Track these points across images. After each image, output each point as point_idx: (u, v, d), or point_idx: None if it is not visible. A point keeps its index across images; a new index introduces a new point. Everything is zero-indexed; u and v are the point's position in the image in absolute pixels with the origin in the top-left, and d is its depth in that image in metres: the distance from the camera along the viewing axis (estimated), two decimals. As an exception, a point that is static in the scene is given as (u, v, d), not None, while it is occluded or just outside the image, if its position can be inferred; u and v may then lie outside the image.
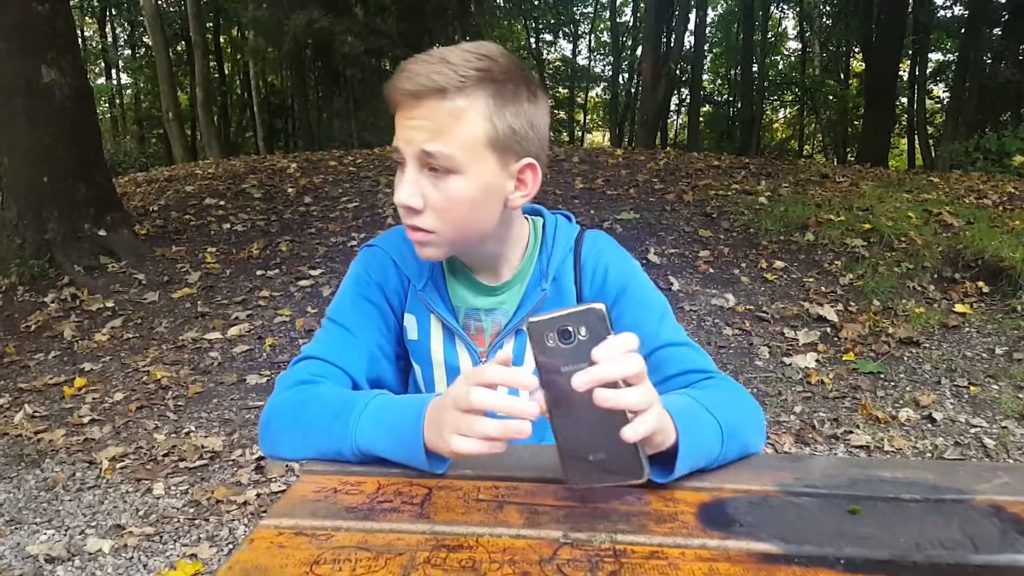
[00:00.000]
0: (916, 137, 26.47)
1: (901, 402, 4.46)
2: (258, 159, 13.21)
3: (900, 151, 31.59)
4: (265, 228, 7.79)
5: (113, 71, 33.66)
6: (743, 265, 6.43)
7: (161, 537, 3.30)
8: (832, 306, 5.65)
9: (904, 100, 27.31)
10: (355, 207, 8.23)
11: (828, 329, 5.39)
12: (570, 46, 40.18)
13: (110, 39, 32.99)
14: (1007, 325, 5.35)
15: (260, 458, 3.94)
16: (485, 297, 1.43)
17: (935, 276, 6.11)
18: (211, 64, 25.12)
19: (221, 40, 29.64)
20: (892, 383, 4.70)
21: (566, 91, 39.80)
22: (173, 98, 19.57)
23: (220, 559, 3.12)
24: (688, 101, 32.28)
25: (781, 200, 7.87)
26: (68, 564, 3.13)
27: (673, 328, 1.37)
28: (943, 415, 4.26)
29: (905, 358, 5.01)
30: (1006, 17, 19.63)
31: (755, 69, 30.31)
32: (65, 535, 3.34)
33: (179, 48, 28.32)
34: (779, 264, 6.40)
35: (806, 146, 36.19)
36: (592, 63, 41.27)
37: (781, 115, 39.03)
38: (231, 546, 3.22)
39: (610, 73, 38.55)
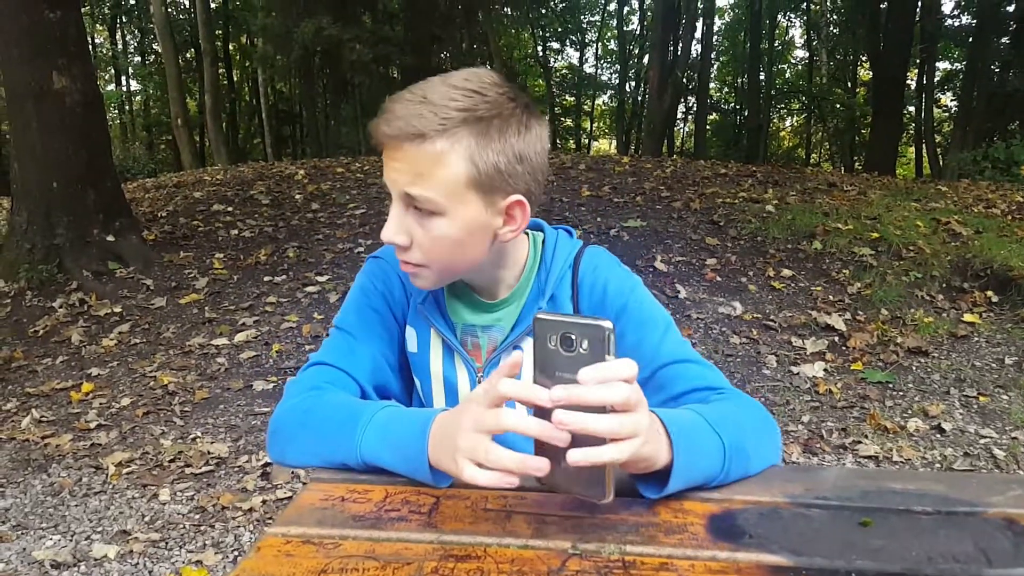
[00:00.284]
0: (924, 146, 26.46)
1: (910, 412, 4.44)
2: (266, 165, 13.21)
3: (908, 160, 31.59)
4: (272, 234, 7.80)
5: (123, 78, 33.88)
6: (750, 273, 6.42)
7: (167, 543, 3.30)
8: (840, 315, 5.63)
9: (912, 109, 27.26)
10: (362, 214, 8.24)
11: (836, 338, 5.38)
12: (577, 54, 40.33)
13: (120, 46, 33.15)
14: (1016, 335, 5.33)
15: (266, 464, 3.93)
16: (482, 314, 1.42)
17: (944, 285, 6.09)
18: (220, 71, 25.25)
19: (230, 47, 29.79)
20: (901, 393, 4.69)
21: (573, 99, 39.89)
22: (182, 105, 19.67)
23: (225, 566, 3.12)
24: (695, 109, 32.35)
25: (788, 208, 7.85)
26: (74, 570, 3.13)
27: (677, 344, 1.34)
28: (952, 425, 4.24)
29: (914, 368, 4.99)
30: (1014, 26, 19.60)
31: (762, 77, 30.35)
32: (71, 540, 3.34)
33: (188, 55, 28.42)
34: (787, 272, 6.38)
35: (813, 154, 36.20)
36: (599, 71, 41.36)
37: (788, 123, 39.07)
38: (236, 553, 3.22)
39: (617, 81, 38.63)
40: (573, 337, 0.88)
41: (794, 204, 8.10)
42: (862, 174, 13.23)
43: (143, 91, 34.03)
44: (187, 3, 28.76)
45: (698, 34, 26.19)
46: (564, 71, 40.69)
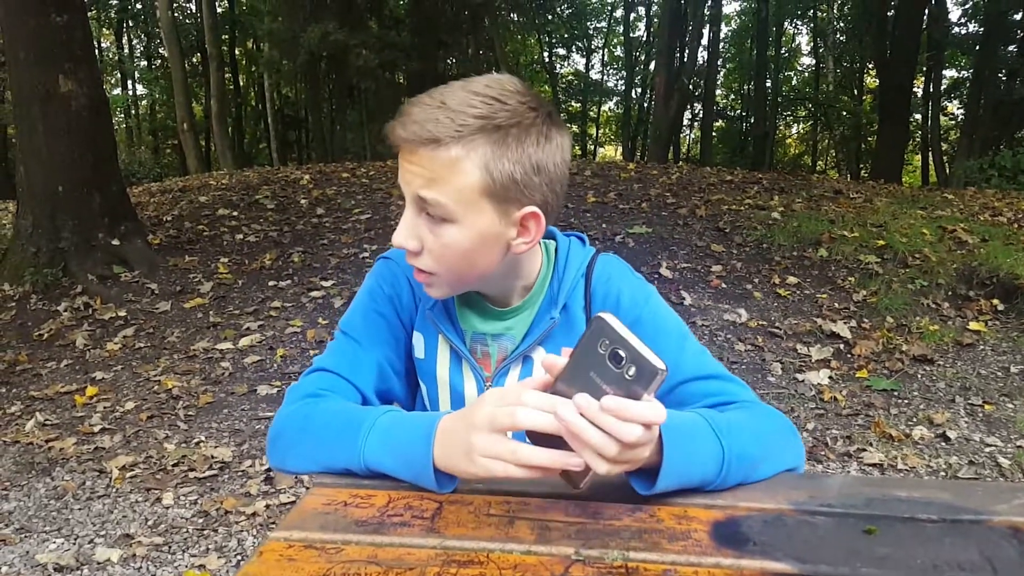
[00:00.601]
0: (930, 153, 26.41)
1: (915, 420, 4.42)
2: (271, 170, 13.26)
3: (914, 167, 31.55)
4: (277, 239, 7.81)
5: (129, 82, 33.96)
6: (756, 280, 6.41)
7: (170, 547, 3.30)
8: (845, 322, 5.62)
9: (918, 116, 27.27)
10: (367, 219, 8.25)
11: (841, 346, 5.37)
12: (583, 60, 40.38)
13: (127, 50, 33.26)
14: (1022, 343, 5.31)
15: (269, 469, 3.93)
16: (493, 322, 1.40)
17: (949, 293, 6.08)
18: (226, 76, 25.30)
19: (236, 52, 29.88)
20: (906, 401, 4.67)
21: (579, 105, 39.90)
22: (188, 109, 19.70)
23: (229, 570, 3.12)
24: (701, 116, 32.41)
25: (794, 215, 7.85)
26: (77, 573, 3.13)
27: (696, 356, 1.31)
28: (957, 433, 4.23)
29: (919, 376, 4.98)
30: (1021, 34, 19.60)
31: (768, 84, 30.37)
32: (74, 544, 3.34)
33: (195, 60, 28.50)
34: (792, 280, 6.38)
35: (819, 162, 36.18)
36: (605, 77, 41.50)
37: (794, 130, 39.08)
38: (239, 557, 3.22)
39: (623, 87, 38.69)
40: (624, 356, 0.87)
41: (800, 211, 8.09)
42: (868, 181, 13.25)
43: (149, 95, 34.17)
44: (193, 7, 28.82)
45: (705, 41, 26.23)
46: (570, 77, 40.73)
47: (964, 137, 21.08)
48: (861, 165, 28.83)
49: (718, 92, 34.66)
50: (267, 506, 3.59)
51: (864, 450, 4.06)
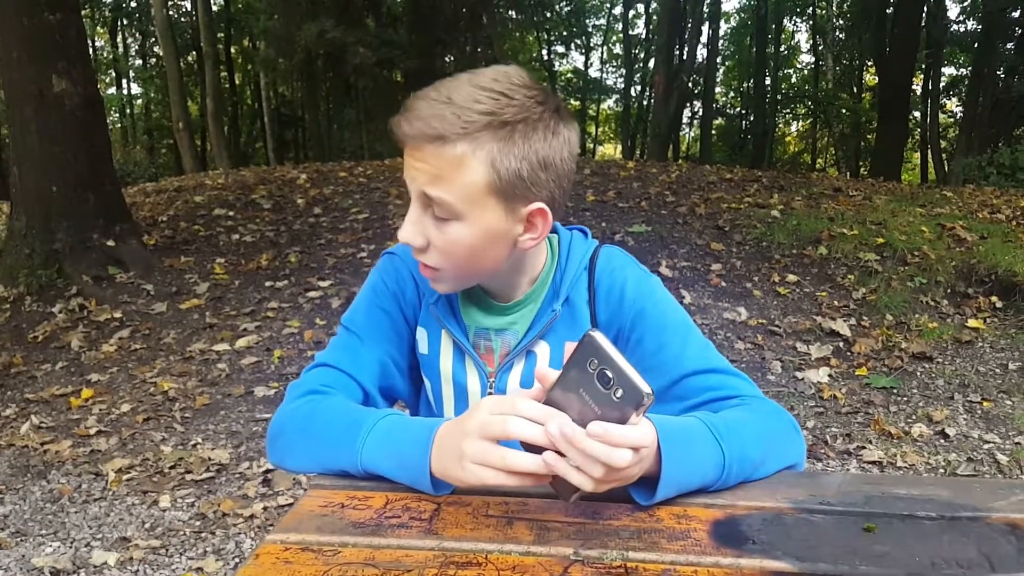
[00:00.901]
0: (929, 151, 26.45)
1: (914, 417, 4.43)
2: (268, 170, 13.23)
3: (913, 165, 31.60)
4: (274, 239, 7.80)
5: (124, 81, 34.02)
6: (755, 279, 6.41)
7: (167, 550, 3.29)
8: (845, 320, 5.62)
9: (917, 114, 27.31)
10: (365, 218, 8.24)
11: (841, 344, 5.37)
12: (582, 58, 40.37)
13: (121, 49, 33.25)
14: (1020, 340, 5.32)
15: (267, 471, 3.93)
16: (496, 317, 1.39)
17: (948, 291, 6.08)
18: (222, 75, 25.32)
19: (232, 51, 29.84)
20: (905, 398, 4.67)
21: (578, 103, 39.89)
22: (183, 108, 19.69)
23: (226, 572, 3.11)
24: (700, 114, 32.41)
25: (794, 213, 7.85)
26: None
27: (699, 350, 1.30)
28: (956, 431, 4.23)
29: (918, 373, 4.98)
30: (1020, 32, 19.62)
31: (768, 82, 30.45)
32: (71, 547, 3.33)
33: (190, 58, 28.48)
34: (792, 278, 6.37)
35: (819, 159, 36.21)
36: (604, 75, 41.44)
37: (794, 128, 39.07)
38: (237, 560, 3.21)
39: (622, 85, 38.70)
40: (612, 378, 0.87)
41: (799, 209, 8.10)
42: (867, 179, 13.25)
43: (144, 94, 34.13)
44: (189, 5, 28.78)
45: (704, 38, 26.33)
46: (569, 75, 40.70)
47: (963, 135, 21.08)
48: (860, 163, 28.87)
49: (717, 90, 34.73)
50: (265, 508, 3.59)
51: (863, 448, 4.06)
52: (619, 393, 0.86)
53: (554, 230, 1.43)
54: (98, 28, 30.86)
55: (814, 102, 32.33)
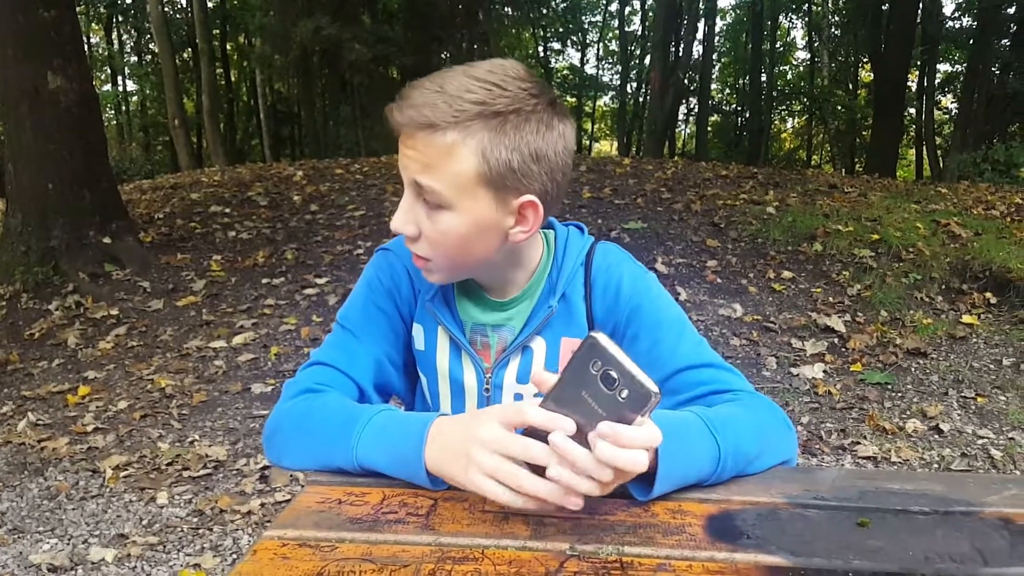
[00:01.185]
0: (924, 148, 26.48)
1: (908, 413, 4.44)
2: (264, 167, 13.19)
3: (908, 162, 31.63)
4: (271, 236, 7.79)
5: (119, 78, 33.87)
6: (751, 275, 6.42)
7: (165, 547, 3.29)
8: (840, 317, 5.63)
9: (912, 111, 27.30)
10: (361, 215, 8.24)
11: (836, 340, 5.38)
12: (578, 55, 40.39)
13: (116, 46, 33.06)
14: (1014, 336, 5.33)
15: (264, 467, 3.93)
16: (492, 313, 1.39)
17: (943, 287, 6.09)
18: (217, 71, 25.27)
19: (228, 47, 29.73)
20: (899, 394, 4.68)
21: (574, 100, 39.84)
22: (179, 105, 19.62)
23: (224, 569, 3.11)
24: (696, 110, 32.42)
25: (789, 210, 7.86)
26: (71, 573, 3.12)
27: (694, 346, 1.31)
28: (950, 426, 4.24)
29: (912, 369, 4.99)
30: (1015, 28, 19.61)
31: (763, 79, 30.42)
32: (68, 544, 3.34)
33: (185, 55, 28.36)
34: (787, 274, 6.38)
35: (814, 156, 36.21)
36: (600, 72, 41.37)
37: (789, 125, 39.11)
38: (235, 556, 3.22)
39: (618, 82, 38.64)
40: (617, 379, 0.86)
41: (795, 206, 8.10)
42: (863, 176, 13.24)
43: (140, 91, 33.99)
44: (184, 2, 28.76)
45: (700, 35, 26.31)
46: (565, 72, 40.66)
47: (958, 131, 21.07)
48: (856, 159, 28.93)
49: (713, 86, 34.76)
50: (262, 504, 3.59)
51: (858, 443, 4.07)
52: (624, 394, 0.86)
53: (550, 226, 1.43)
54: (93, 25, 30.73)
55: (810, 99, 32.37)
